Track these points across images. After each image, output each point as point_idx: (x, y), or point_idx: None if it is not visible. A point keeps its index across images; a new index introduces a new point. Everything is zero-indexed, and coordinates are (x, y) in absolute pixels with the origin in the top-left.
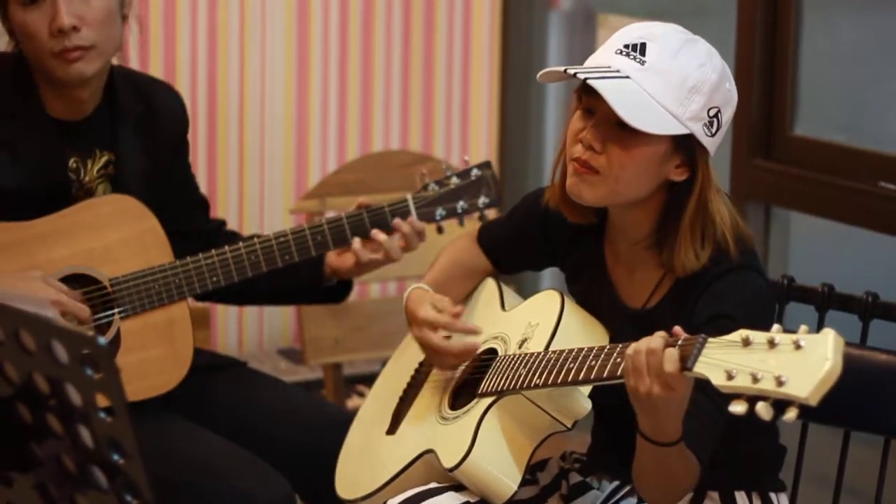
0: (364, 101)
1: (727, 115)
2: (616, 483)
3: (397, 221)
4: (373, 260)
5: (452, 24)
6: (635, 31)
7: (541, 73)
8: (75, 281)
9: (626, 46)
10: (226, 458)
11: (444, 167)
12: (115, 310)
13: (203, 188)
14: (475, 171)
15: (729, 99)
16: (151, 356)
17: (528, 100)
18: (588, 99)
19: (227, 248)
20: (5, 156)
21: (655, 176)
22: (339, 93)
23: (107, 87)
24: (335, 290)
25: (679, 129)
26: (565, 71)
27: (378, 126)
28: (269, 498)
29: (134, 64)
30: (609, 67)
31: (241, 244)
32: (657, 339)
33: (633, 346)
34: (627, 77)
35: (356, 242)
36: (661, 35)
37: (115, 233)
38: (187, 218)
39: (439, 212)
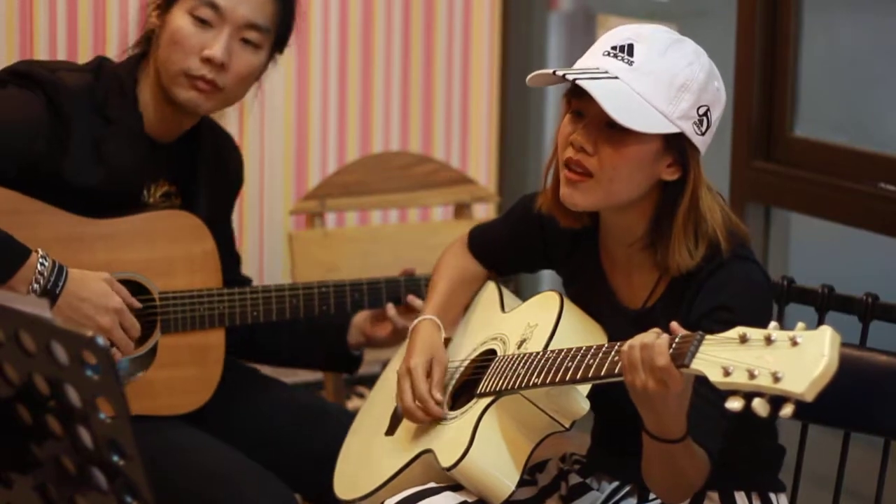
0: (364, 101)
1: (717, 114)
2: (615, 484)
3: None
4: (406, 328)
5: (452, 25)
6: (622, 32)
7: (530, 76)
8: (126, 286)
9: (614, 48)
10: (230, 467)
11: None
12: (158, 322)
13: None
14: None
15: (718, 98)
16: (182, 376)
17: (528, 100)
18: (577, 102)
19: (271, 286)
20: (92, 154)
21: (648, 176)
22: (338, 93)
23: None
24: (353, 360)
25: (669, 128)
26: (554, 73)
27: (378, 127)
28: None
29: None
30: (597, 69)
31: (284, 285)
32: (651, 334)
33: (627, 343)
34: (616, 78)
35: (390, 309)
36: (649, 36)
37: (174, 248)
38: (225, 267)
39: None
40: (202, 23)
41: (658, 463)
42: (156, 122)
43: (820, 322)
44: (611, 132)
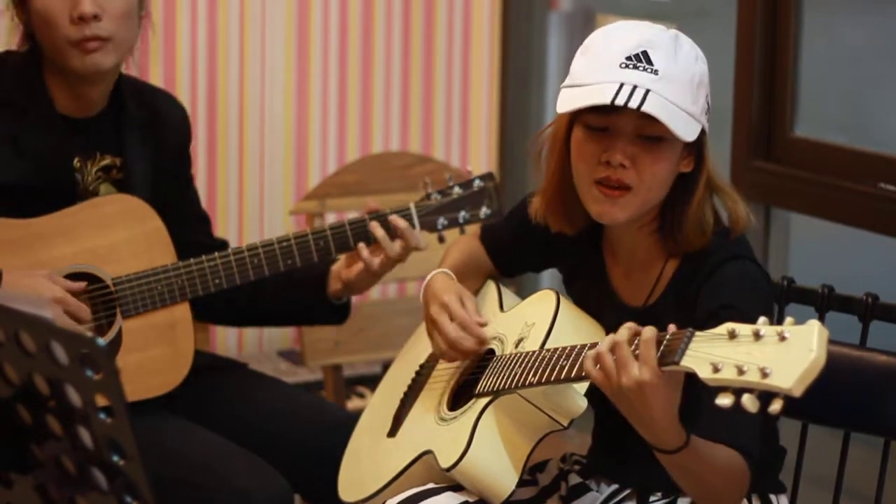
0: (364, 102)
1: (710, 96)
2: (615, 486)
3: (393, 218)
4: (381, 264)
5: (452, 25)
6: (626, 37)
7: (568, 109)
8: (78, 279)
9: (629, 59)
10: (223, 455)
11: (446, 176)
12: (118, 309)
13: (203, 189)
14: (477, 182)
15: (708, 80)
16: (152, 356)
17: (528, 100)
18: (598, 117)
19: (230, 250)
20: (10, 150)
21: (674, 174)
22: (338, 94)
23: (113, 91)
24: (337, 310)
25: (698, 127)
26: (612, 103)
27: (378, 127)
28: (266, 495)
29: (133, 65)
30: (623, 83)
31: (243, 248)
32: (623, 330)
33: (590, 358)
34: (649, 90)
35: (362, 249)
36: (653, 38)
37: (119, 232)
38: (188, 230)
39: (441, 221)
40: None
41: (681, 477)
42: (69, 101)
43: (820, 322)
44: (646, 143)
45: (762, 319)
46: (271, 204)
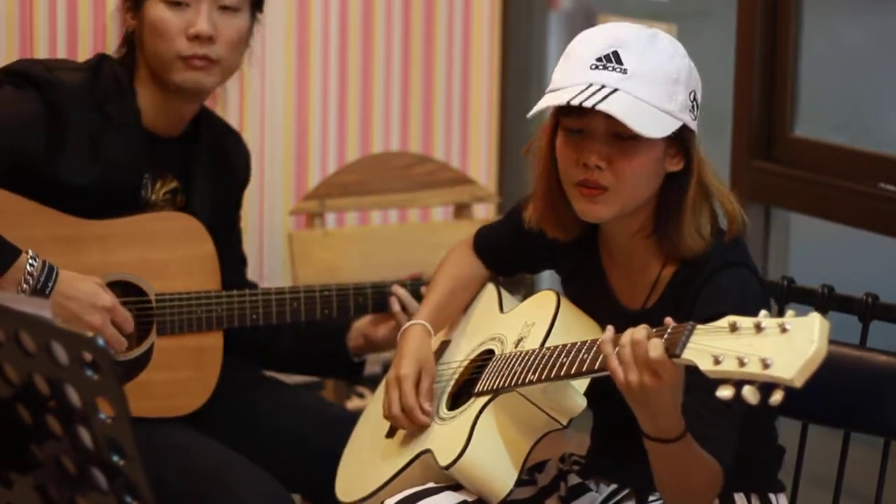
0: (364, 101)
1: (700, 93)
2: (614, 486)
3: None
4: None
5: (452, 24)
6: (599, 40)
7: (533, 112)
8: (122, 288)
9: (600, 59)
10: (227, 467)
11: None
12: (154, 325)
13: None
14: None
15: (696, 76)
16: (178, 378)
17: (528, 100)
18: (575, 120)
19: (272, 288)
20: (88, 152)
21: (659, 173)
22: (339, 94)
23: (193, 119)
24: (353, 366)
25: (675, 124)
26: (567, 103)
27: (378, 127)
28: None
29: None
30: (591, 84)
31: (285, 288)
32: (641, 329)
33: (608, 342)
34: (616, 90)
35: (400, 315)
36: (626, 38)
37: (173, 250)
38: (227, 269)
39: None
40: (177, 5)
41: (665, 469)
42: (156, 116)
43: None
44: (620, 143)
45: (763, 312)
46: (271, 204)
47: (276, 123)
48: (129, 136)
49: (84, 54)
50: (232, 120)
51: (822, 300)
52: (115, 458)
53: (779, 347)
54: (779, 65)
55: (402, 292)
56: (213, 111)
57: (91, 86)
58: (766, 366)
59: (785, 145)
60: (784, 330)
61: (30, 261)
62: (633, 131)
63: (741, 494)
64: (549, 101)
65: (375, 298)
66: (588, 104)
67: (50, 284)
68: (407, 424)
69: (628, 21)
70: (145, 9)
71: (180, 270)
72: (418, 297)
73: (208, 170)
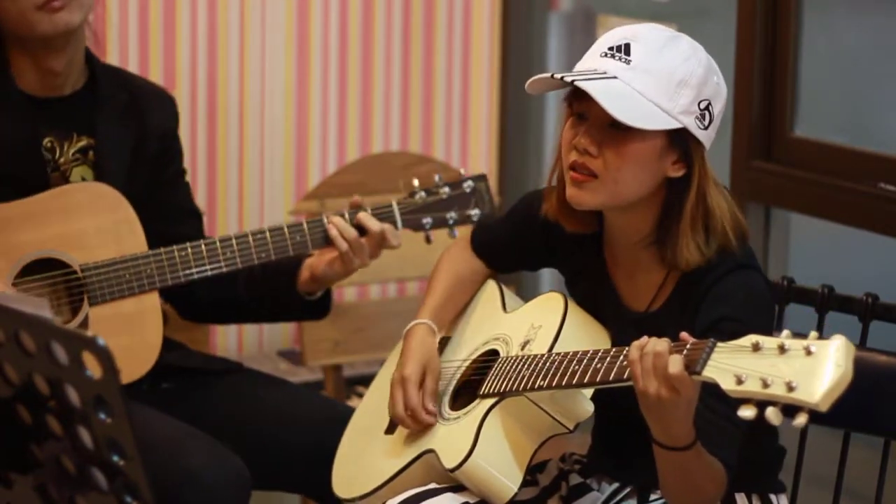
0: (364, 102)
1: (718, 108)
2: (616, 485)
3: (362, 216)
4: (346, 255)
5: (452, 25)
6: (619, 32)
7: (529, 82)
8: (46, 265)
9: (611, 49)
10: (178, 438)
11: (435, 176)
12: (85, 296)
13: (203, 189)
14: (468, 183)
15: (718, 91)
16: (120, 345)
17: (528, 100)
18: (579, 104)
19: (202, 240)
20: None
21: (653, 174)
22: (338, 94)
23: (90, 75)
24: (314, 306)
25: (671, 124)
26: (552, 76)
27: (378, 127)
28: (220, 476)
29: (134, 65)
30: (595, 70)
31: (216, 239)
32: (663, 342)
33: (637, 347)
34: (615, 77)
35: (335, 234)
36: (645, 34)
37: (88, 220)
38: (178, 223)
39: (426, 220)
40: None
41: (673, 475)
42: (35, 77)
43: (820, 322)
44: (614, 133)
45: (785, 332)
46: (271, 204)
47: (276, 123)
48: (10, 106)
49: None
50: (232, 120)
51: (822, 300)
52: (115, 458)
53: (803, 370)
54: (779, 65)
55: (338, 220)
56: (115, 66)
57: None
58: (790, 388)
59: (785, 145)
60: (809, 352)
61: None
62: (613, 116)
63: (742, 495)
64: (544, 76)
65: (314, 233)
66: (568, 80)
67: None
68: (411, 424)
69: (628, 21)
70: None
71: (100, 239)
72: (357, 227)
73: (118, 122)
